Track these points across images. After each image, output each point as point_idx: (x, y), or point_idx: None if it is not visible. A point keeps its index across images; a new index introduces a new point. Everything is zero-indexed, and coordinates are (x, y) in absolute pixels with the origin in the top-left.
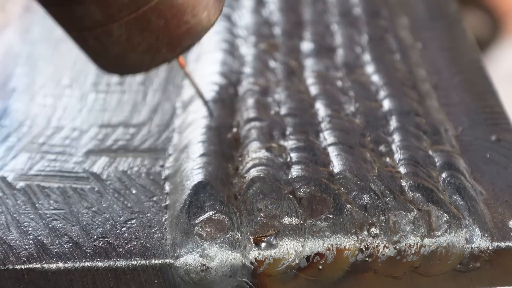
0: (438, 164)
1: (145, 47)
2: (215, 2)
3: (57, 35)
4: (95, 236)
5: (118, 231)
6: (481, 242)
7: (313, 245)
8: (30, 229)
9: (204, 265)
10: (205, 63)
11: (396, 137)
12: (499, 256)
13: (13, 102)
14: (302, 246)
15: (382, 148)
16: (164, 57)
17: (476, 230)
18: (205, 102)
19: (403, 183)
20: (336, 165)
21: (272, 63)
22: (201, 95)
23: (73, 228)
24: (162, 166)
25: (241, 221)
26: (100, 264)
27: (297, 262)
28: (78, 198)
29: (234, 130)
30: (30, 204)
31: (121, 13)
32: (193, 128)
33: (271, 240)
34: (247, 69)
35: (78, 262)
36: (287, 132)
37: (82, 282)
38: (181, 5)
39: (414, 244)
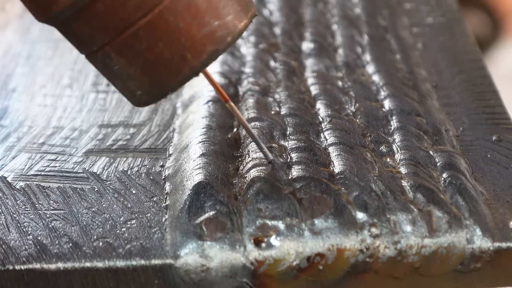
0: (438, 164)
1: (168, 55)
2: (239, 6)
3: (57, 35)
4: (95, 237)
5: (118, 231)
6: (482, 243)
7: (314, 246)
8: (29, 229)
9: (204, 265)
10: None
11: (397, 137)
12: (500, 257)
13: (13, 102)
14: (302, 247)
15: (382, 148)
16: (191, 66)
17: (477, 230)
18: (260, 146)
19: (404, 183)
20: (337, 165)
21: (272, 63)
22: (253, 137)
23: (73, 228)
24: (162, 166)
25: (241, 221)
26: (100, 264)
27: (297, 262)
28: (78, 198)
29: (234, 130)
30: (29, 204)
31: (136, 14)
32: (193, 128)
33: (271, 240)
34: (247, 69)
35: (77, 263)
36: (288, 132)
37: (82, 283)
38: (199, 5)
39: (415, 244)
